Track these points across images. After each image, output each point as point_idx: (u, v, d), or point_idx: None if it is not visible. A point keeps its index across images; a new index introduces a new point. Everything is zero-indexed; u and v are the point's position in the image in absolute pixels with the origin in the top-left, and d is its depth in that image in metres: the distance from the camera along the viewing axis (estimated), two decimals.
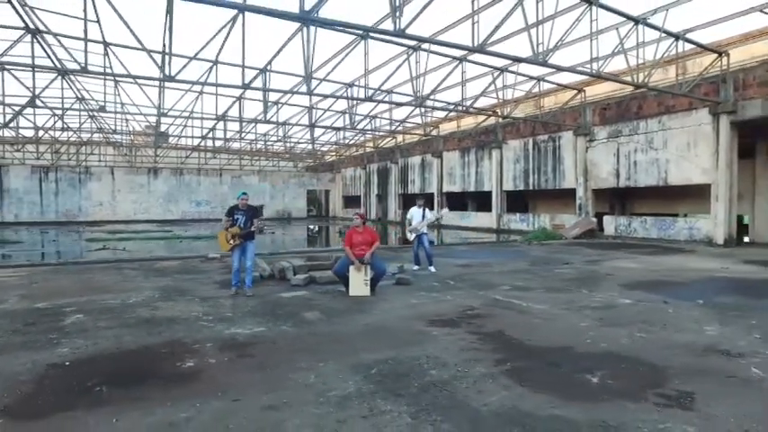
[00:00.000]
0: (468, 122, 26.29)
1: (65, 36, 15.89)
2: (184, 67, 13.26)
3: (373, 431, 3.32)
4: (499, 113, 18.48)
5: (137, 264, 11.92)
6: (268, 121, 21.35)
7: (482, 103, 21.28)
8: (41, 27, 15.93)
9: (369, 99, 16.08)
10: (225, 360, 4.88)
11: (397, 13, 8.69)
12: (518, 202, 24.07)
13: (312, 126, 23.55)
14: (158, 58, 13.43)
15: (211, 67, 15.94)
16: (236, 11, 11.72)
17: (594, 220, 18.99)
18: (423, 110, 22.99)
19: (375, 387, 4.07)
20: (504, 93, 18.28)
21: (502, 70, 17.61)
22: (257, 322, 6.31)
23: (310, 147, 36.23)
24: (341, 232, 25.97)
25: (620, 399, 3.78)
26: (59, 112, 24.24)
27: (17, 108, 21.76)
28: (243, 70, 13.06)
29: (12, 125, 25.61)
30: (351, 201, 41.96)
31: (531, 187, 22.16)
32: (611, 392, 3.92)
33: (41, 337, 5.66)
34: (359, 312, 6.84)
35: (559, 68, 12.22)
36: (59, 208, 33.92)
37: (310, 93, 14.72)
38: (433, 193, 29.04)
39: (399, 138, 32.19)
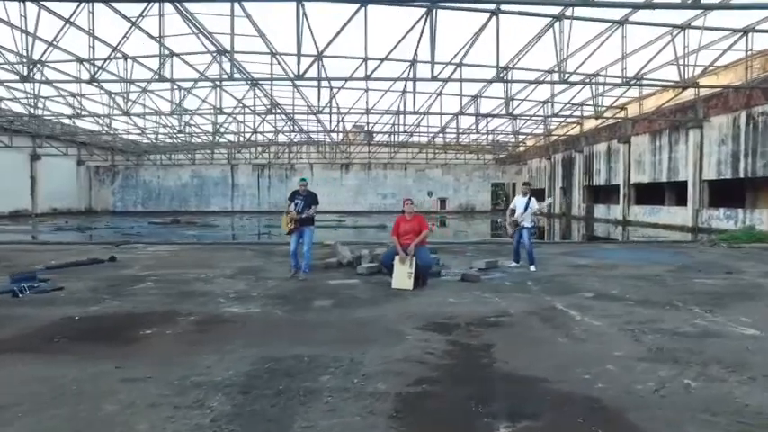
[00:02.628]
0: (661, 99, 21.52)
1: (241, 52, 18.56)
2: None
3: (154, 421, 2.95)
4: (681, 83, 14.66)
5: (260, 247, 13.29)
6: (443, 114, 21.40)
7: (665, 74, 17.25)
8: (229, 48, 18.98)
9: (500, 80, 14.59)
10: (179, 332, 5.06)
11: None
12: (727, 194, 18.65)
13: (476, 116, 22.72)
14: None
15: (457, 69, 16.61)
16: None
17: None
18: (594, 89, 19.83)
19: (241, 380, 3.69)
20: (686, 59, 14.44)
21: (682, 27, 13.91)
22: (263, 304, 6.33)
23: (489, 138, 35.04)
24: (498, 224, 24.36)
25: None
26: (262, 116, 28.73)
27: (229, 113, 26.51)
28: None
29: (235, 130, 31.56)
30: (536, 194, 38.97)
31: (740, 174, 16.86)
32: None
33: (100, 297, 6.74)
34: (371, 305, 6.26)
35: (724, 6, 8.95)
36: (270, 199, 40.45)
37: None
38: (618, 185, 24.83)
39: (586, 124, 28.52)
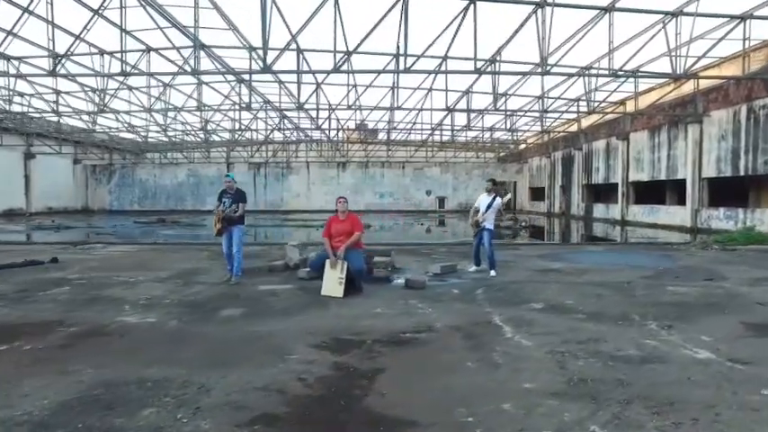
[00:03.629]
0: (661, 93, 20.47)
1: (220, 47, 17.90)
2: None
3: None
4: (674, 74, 13.73)
5: (217, 247, 12.59)
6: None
7: (661, 67, 16.28)
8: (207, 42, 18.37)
9: (478, 71, 13.79)
10: (39, 347, 4.51)
11: None
12: (729, 193, 17.58)
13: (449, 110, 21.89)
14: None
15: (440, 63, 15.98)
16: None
17: None
18: (587, 83, 18.87)
19: (43, 415, 3.09)
20: (678, 50, 13.51)
21: (674, 14, 12.98)
22: (166, 313, 5.70)
23: (485, 135, 34.10)
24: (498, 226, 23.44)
25: None
26: (253, 112, 28.14)
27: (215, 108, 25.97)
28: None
29: (230, 128, 31.03)
30: (537, 193, 38.06)
31: (741, 172, 15.79)
32: None
33: None
34: (282, 316, 5.58)
35: None
36: (267, 198, 39.87)
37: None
38: (617, 184, 23.79)
39: (585, 121, 27.53)
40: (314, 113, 27.07)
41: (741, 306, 6.01)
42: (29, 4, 12.99)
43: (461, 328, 5.06)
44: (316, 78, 20.88)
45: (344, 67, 14.49)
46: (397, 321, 5.29)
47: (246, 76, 20.94)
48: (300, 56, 16.17)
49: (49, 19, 13.15)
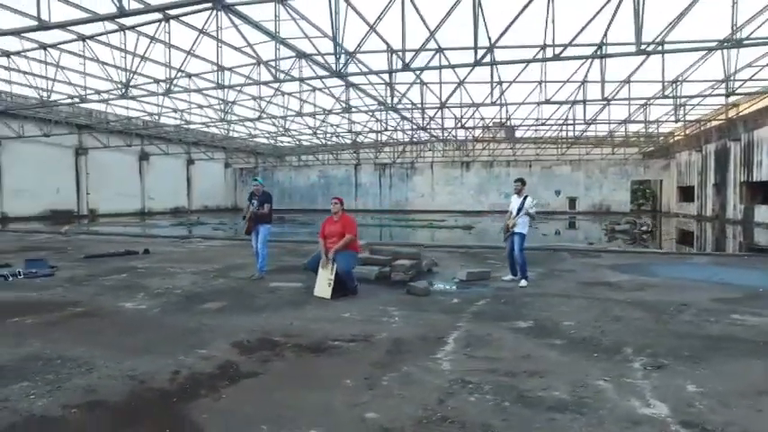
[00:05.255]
0: None
1: (316, 54, 18.95)
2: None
3: None
4: None
5: (295, 245, 13.30)
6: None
7: None
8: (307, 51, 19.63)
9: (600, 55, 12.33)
10: (33, 323, 5.30)
11: None
12: None
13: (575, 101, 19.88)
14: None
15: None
16: None
17: None
18: (725, 55, 15.59)
19: None
20: None
21: None
22: (164, 302, 6.33)
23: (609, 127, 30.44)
24: (613, 230, 20.91)
25: None
26: (370, 114, 29.23)
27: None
28: None
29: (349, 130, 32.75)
30: (686, 193, 32.68)
31: None
32: None
33: (60, 285, 7.42)
34: (252, 312, 5.80)
35: None
36: (391, 198, 40.91)
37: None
38: None
39: (743, 106, 22.86)
40: (428, 112, 27.05)
41: None
42: (154, 33, 15.33)
43: (402, 341, 4.63)
44: (419, 77, 20.98)
45: (416, 65, 14.22)
46: (345, 328, 5.05)
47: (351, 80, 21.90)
48: (391, 55, 16.33)
49: (167, 41, 15.36)
